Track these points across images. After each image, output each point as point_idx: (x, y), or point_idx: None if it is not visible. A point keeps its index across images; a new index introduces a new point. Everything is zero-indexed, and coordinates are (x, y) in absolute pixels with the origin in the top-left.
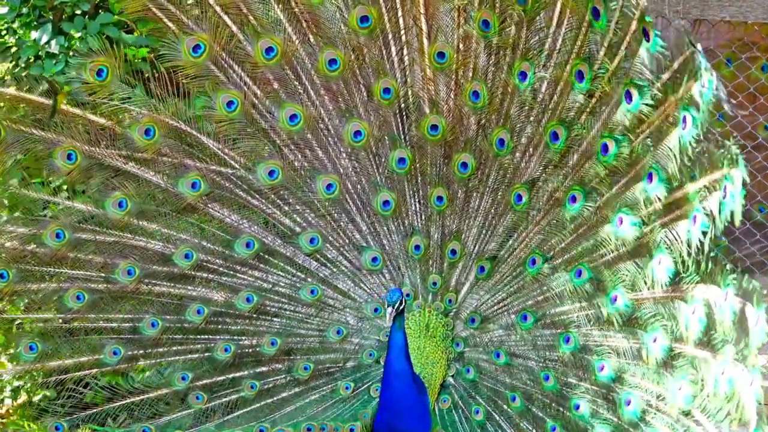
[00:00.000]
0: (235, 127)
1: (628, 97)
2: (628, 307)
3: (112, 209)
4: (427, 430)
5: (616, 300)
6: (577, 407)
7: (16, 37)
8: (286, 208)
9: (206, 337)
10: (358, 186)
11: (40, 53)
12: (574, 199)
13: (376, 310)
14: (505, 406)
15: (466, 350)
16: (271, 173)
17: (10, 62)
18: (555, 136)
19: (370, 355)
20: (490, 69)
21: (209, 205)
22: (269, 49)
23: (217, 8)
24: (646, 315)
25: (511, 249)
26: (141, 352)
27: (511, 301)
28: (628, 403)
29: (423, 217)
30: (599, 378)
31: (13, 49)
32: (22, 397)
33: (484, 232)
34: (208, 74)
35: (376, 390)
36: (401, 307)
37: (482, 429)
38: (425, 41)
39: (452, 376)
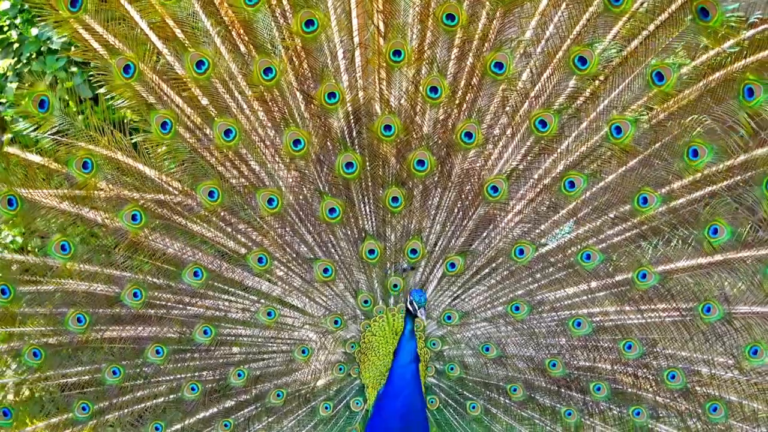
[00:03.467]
0: (171, 149)
1: (658, 76)
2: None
3: (56, 253)
4: None
5: (645, 276)
6: (599, 389)
7: (18, 32)
8: (229, 230)
9: (170, 377)
10: (300, 197)
11: (41, 49)
12: (572, 184)
13: (336, 322)
14: (502, 399)
15: (445, 348)
16: (210, 194)
17: (12, 58)
18: (543, 124)
19: (340, 369)
20: (452, 62)
21: (150, 237)
22: (200, 63)
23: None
24: (690, 285)
25: (487, 241)
26: (107, 403)
27: (494, 293)
28: (673, 376)
29: (376, 220)
30: (628, 357)
31: (15, 45)
32: (25, 394)
33: (449, 227)
34: (139, 95)
35: (356, 404)
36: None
37: (479, 423)
38: (381, 40)
39: (433, 376)
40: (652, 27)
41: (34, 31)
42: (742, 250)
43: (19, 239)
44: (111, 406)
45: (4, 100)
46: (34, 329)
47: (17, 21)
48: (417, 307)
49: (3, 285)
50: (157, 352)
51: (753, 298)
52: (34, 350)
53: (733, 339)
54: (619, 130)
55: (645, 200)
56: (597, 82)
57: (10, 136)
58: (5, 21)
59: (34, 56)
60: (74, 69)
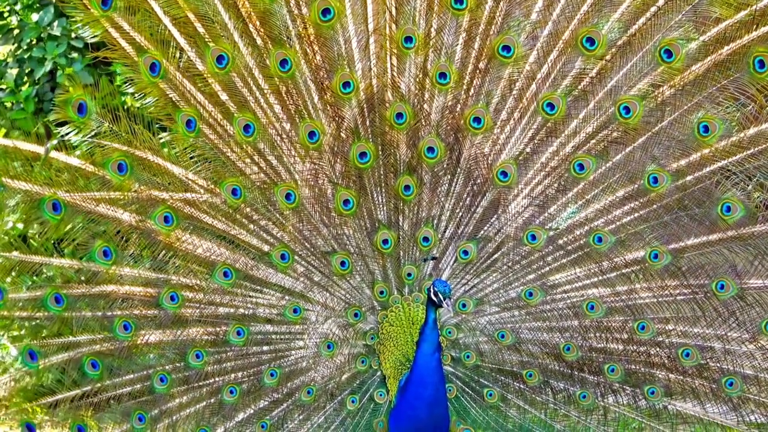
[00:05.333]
0: (196, 147)
1: (667, 53)
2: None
3: (99, 259)
4: (449, 422)
5: (657, 256)
6: (612, 370)
7: (19, 19)
8: (252, 227)
9: (209, 381)
10: (316, 189)
11: (41, 35)
12: (581, 167)
13: (356, 314)
14: (518, 384)
15: (461, 336)
16: (234, 192)
17: (12, 44)
18: (551, 106)
19: (362, 362)
20: (460, 47)
21: (181, 239)
22: (220, 58)
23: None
24: (701, 263)
25: (498, 226)
26: (157, 411)
27: (507, 279)
28: (687, 354)
29: (389, 210)
30: (641, 336)
31: (16, 32)
32: (25, 380)
33: (459, 214)
34: (165, 94)
35: (379, 395)
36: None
37: (496, 410)
38: (393, 26)
39: (449, 364)
40: (661, 2)
41: (34, 17)
42: (756, 225)
43: (20, 225)
44: (161, 414)
45: (4, 87)
46: (86, 338)
47: (17, 7)
48: (443, 298)
49: (56, 293)
50: (197, 356)
51: (766, 272)
52: (92, 361)
53: (746, 314)
54: (627, 109)
55: (655, 179)
56: (605, 61)
57: (55, 141)
58: (5, 7)
59: (34, 42)
60: (75, 55)
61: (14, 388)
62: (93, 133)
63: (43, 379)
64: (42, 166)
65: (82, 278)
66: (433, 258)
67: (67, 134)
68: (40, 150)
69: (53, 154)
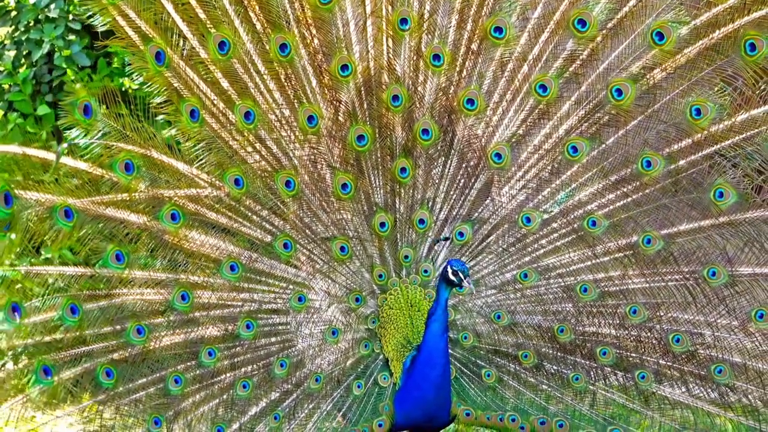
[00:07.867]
0: (200, 137)
1: (659, 36)
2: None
3: (112, 264)
4: (451, 404)
5: (650, 242)
6: (604, 354)
7: (16, 0)
8: (255, 218)
9: (221, 377)
10: (315, 175)
11: (39, 17)
12: (575, 149)
13: (357, 299)
14: (513, 366)
15: (458, 317)
16: (236, 182)
17: (10, 26)
18: (543, 88)
19: (365, 346)
20: (452, 29)
21: (188, 236)
22: (222, 44)
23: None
24: (693, 248)
25: (492, 209)
26: (171, 412)
27: (503, 260)
28: (678, 340)
29: (385, 193)
30: (633, 321)
31: (13, 13)
32: (24, 362)
33: (453, 196)
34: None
35: (383, 378)
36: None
37: (494, 391)
38: (389, 8)
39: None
40: None
41: None
42: (748, 211)
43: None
44: (176, 415)
45: (2, 68)
46: (99, 345)
47: None
48: (463, 276)
49: (72, 303)
50: (210, 354)
51: (756, 259)
52: (106, 369)
53: (736, 301)
54: (620, 92)
55: (649, 163)
56: (596, 43)
57: (65, 145)
58: None
59: (32, 24)
60: (72, 37)
61: (14, 371)
62: (100, 134)
63: (56, 393)
64: (53, 173)
65: (96, 285)
66: (446, 239)
67: (76, 137)
68: (50, 156)
69: (62, 159)
